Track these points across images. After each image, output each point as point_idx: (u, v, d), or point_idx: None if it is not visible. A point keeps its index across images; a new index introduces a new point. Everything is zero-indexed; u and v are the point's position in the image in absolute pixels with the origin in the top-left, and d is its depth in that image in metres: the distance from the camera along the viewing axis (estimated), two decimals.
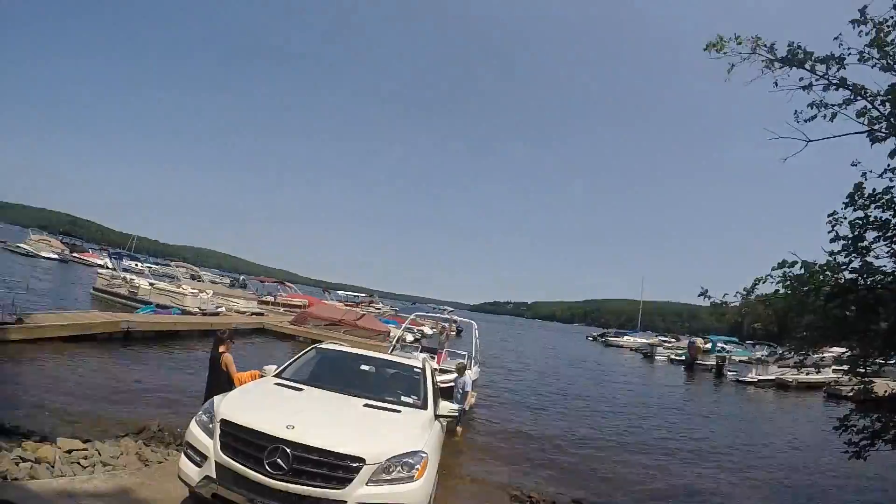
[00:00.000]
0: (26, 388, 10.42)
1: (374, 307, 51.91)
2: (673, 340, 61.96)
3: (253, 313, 33.12)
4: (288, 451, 4.06)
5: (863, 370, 7.19)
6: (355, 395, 5.56)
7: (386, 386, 6.48)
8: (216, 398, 4.95)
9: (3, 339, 13.29)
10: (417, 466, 4.36)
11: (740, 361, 37.26)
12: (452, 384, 12.85)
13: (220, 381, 6.94)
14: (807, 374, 8.79)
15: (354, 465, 4.11)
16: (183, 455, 4.60)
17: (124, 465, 6.21)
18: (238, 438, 4.28)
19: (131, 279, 30.54)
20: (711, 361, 40.86)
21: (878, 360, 7.07)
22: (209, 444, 4.37)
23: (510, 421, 15.48)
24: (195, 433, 4.57)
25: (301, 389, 5.53)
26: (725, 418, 21.42)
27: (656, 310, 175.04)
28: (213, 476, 4.22)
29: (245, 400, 5.02)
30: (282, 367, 6.39)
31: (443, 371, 14.72)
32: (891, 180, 6.39)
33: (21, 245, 56.87)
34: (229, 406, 4.66)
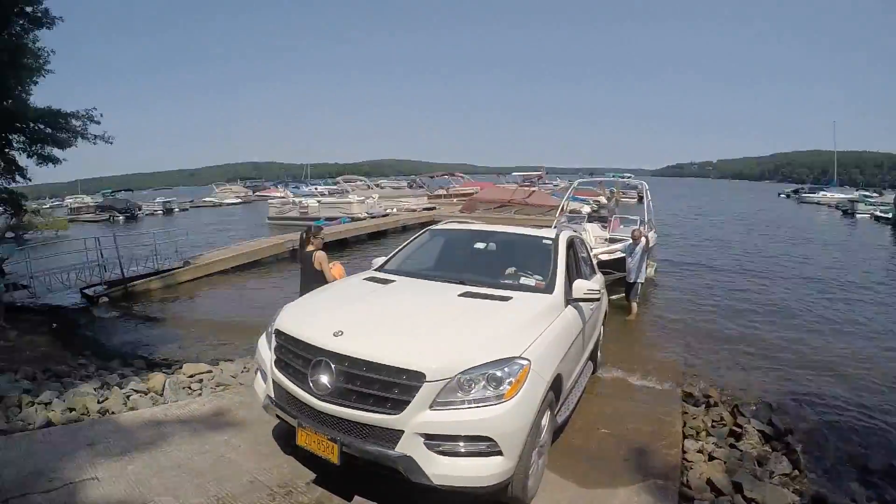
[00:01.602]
0: (184, 322, 11.54)
1: (550, 184, 50.11)
2: (876, 195, 52.91)
3: (424, 209, 33.96)
4: (332, 364, 3.26)
5: None
6: (458, 282, 4.47)
7: (503, 266, 5.08)
8: (285, 306, 4.18)
9: (175, 281, 14.75)
10: (510, 381, 3.17)
11: None
12: (623, 254, 11.58)
13: (312, 282, 6.25)
14: None
15: (411, 382, 3.08)
16: (257, 371, 4.09)
17: (241, 383, 6.24)
18: (288, 351, 3.63)
19: (299, 201, 32.25)
20: None
21: None
22: (268, 359, 3.81)
23: (692, 298, 13.38)
24: (260, 347, 4.05)
25: (391, 282, 4.61)
26: None
27: (853, 161, 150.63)
28: (272, 395, 3.72)
29: (309, 304, 4.31)
30: (389, 257, 5.48)
31: (613, 241, 13.53)
32: None
33: (206, 199, 62.90)
34: (288, 313, 3.98)
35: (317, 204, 30.46)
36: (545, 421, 3.68)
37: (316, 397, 3.28)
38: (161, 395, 5.91)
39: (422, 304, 4.08)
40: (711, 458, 5.14)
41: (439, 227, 6.23)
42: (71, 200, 54.65)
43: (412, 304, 4.10)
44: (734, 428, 5.99)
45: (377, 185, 51.74)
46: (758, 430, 5.99)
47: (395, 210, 31.94)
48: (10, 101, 12.85)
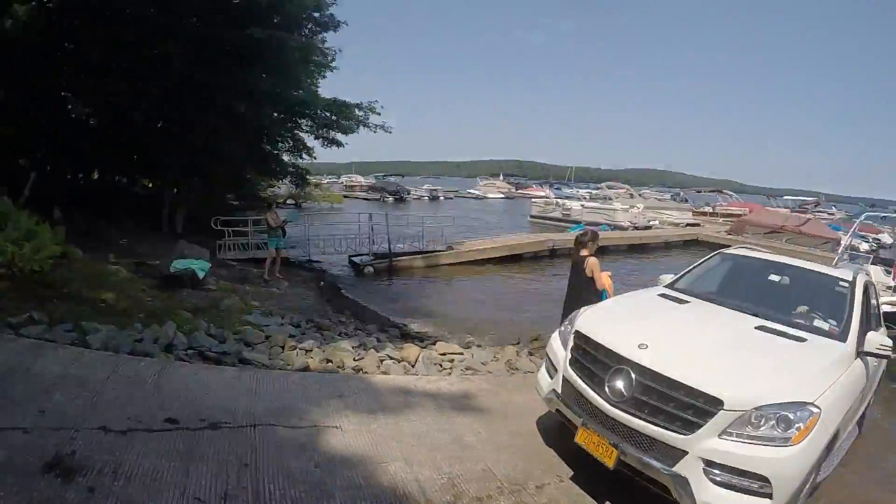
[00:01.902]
0: (441, 302, 11.96)
1: (824, 213, 44.66)
2: None
3: (687, 224, 32.38)
4: (633, 374, 3.41)
5: None
6: (752, 314, 4.36)
7: (796, 304, 4.88)
8: (583, 309, 4.47)
9: (437, 262, 15.56)
10: (799, 425, 3.05)
11: None
12: None
13: (581, 287, 6.22)
14: None
15: (709, 407, 3.11)
16: (543, 365, 4.43)
17: (489, 371, 6.32)
18: (587, 354, 3.83)
19: (563, 203, 32.52)
20: None
21: None
22: (561, 357, 4.07)
23: None
24: (553, 343, 4.33)
25: (686, 302, 4.67)
26: None
27: None
28: (559, 391, 3.96)
29: (609, 311, 4.51)
30: (678, 276, 5.48)
31: None
32: None
33: (471, 191, 65.45)
34: (589, 317, 4.21)
35: (580, 207, 30.30)
36: (814, 475, 3.52)
37: (609, 402, 3.45)
38: (413, 366, 6.09)
39: (719, 330, 4.07)
40: None
41: (731, 251, 6.12)
42: (346, 179, 61.31)
43: (710, 328, 4.11)
44: None
45: (640, 195, 50.51)
46: None
47: (657, 222, 30.53)
48: (300, 91, 15.14)
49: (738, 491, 3.09)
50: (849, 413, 4.03)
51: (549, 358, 4.28)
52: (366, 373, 5.49)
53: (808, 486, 3.49)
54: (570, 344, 3.98)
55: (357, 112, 16.25)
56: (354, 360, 5.91)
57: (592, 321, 4.07)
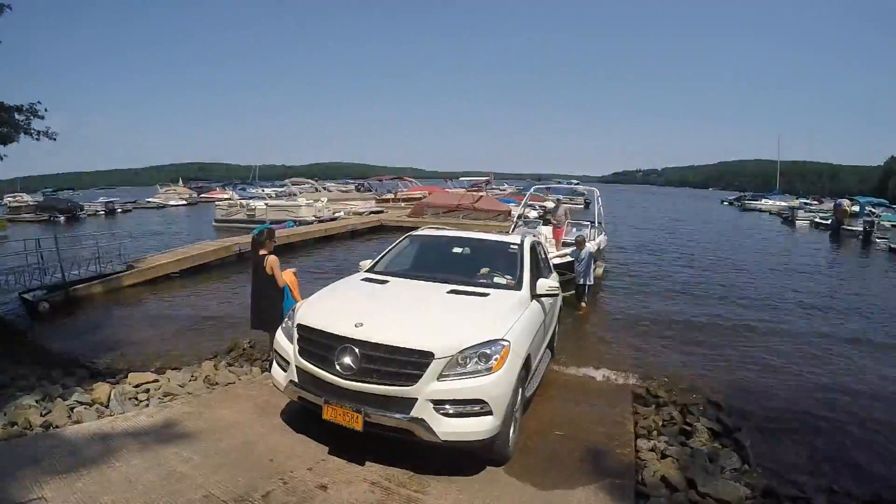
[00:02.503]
0: (129, 329, 10.94)
1: (496, 189, 51.93)
2: (815, 203, 56.07)
3: (371, 212, 33.98)
4: (356, 350, 4.01)
5: None
6: (443, 282, 5.32)
7: (478, 267, 6.01)
8: (299, 304, 5.04)
9: (119, 285, 14.20)
10: (496, 357, 4.08)
11: (892, 226, 30.79)
12: (571, 258, 12.33)
13: (264, 286, 6.55)
14: None
15: (423, 360, 3.93)
16: (274, 362, 4.78)
17: (188, 392, 6.20)
18: (312, 341, 4.32)
19: (247, 203, 31.57)
20: (859, 227, 34.09)
21: None
22: (290, 350, 4.47)
23: (641, 297, 14.11)
24: (279, 340, 4.72)
25: (386, 282, 5.40)
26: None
27: (794, 170, 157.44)
28: (296, 380, 4.35)
29: (323, 301, 4.97)
30: (375, 261, 6.22)
31: (565, 245, 14.52)
32: None
33: (150, 199, 59.85)
34: (307, 310, 4.68)
35: (264, 206, 30.05)
36: (520, 391, 4.59)
37: (343, 377, 4.00)
38: (107, 406, 5.74)
39: (419, 298, 4.92)
40: (664, 456, 5.37)
41: (418, 233, 7.00)
42: (10, 199, 51.86)
43: (411, 299, 4.91)
44: (684, 426, 6.28)
45: (325, 188, 51.93)
46: (707, 428, 6.29)
47: (343, 213, 31.83)
48: None
49: (466, 416, 3.92)
50: (535, 341, 5.20)
51: (278, 354, 4.67)
52: (57, 427, 5.05)
53: (518, 401, 4.59)
54: (296, 336, 4.42)
55: (17, 116, 13.04)
56: (42, 415, 5.42)
57: (311, 312, 4.58)
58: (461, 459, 4.28)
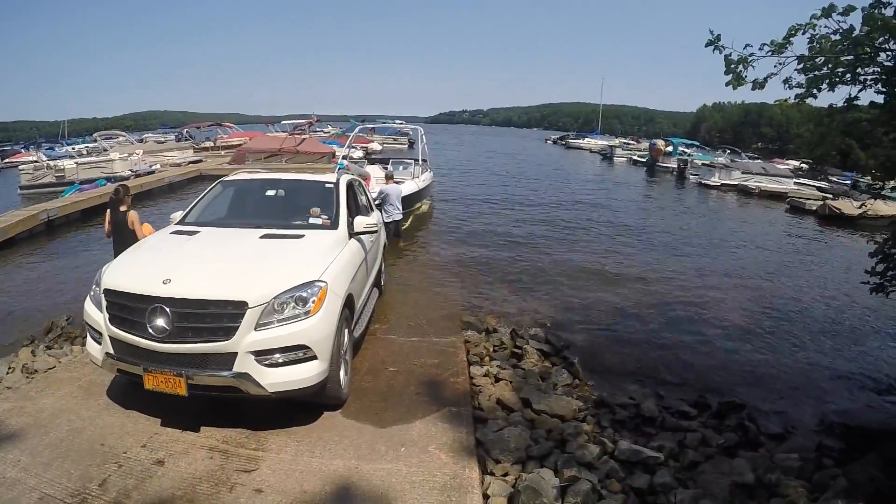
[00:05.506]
0: None
1: (320, 131, 50.81)
2: (633, 143, 62.47)
3: (189, 162, 32.29)
4: (167, 308, 3.70)
5: None
6: (257, 227, 5.07)
7: (293, 209, 5.82)
8: (103, 267, 4.45)
9: None
10: (313, 299, 3.93)
11: (703, 165, 35.43)
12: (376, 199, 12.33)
13: (127, 244, 5.86)
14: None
15: (237, 311, 3.71)
16: (88, 336, 4.35)
17: (7, 386, 5.34)
18: (121, 306, 3.94)
19: (55, 164, 27.82)
20: (673, 164, 39.50)
21: None
22: (100, 319, 4.04)
23: (465, 230, 14.73)
24: (88, 310, 4.24)
25: (196, 233, 4.98)
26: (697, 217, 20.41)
27: (614, 113, 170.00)
28: (112, 352, 3.98)
29: (129, 260, 4.54)
30: (186, 212, 5.74)
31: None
32: None
33: None
34: (111, 273, 4.23)
35: (74, 165, 26.84)
36: (346, 332, 4.51)
37: (157, 341, 3.71)
38: None
39: (230, 247, 4.60)
40: (498, 379, 5.64)
41: (230, 178, 6.62)
42: None
43: (222, 248, 4.60)
44: (515, 350, 6.61)
45: (141, 140, 48.00)
46: (536, 350, 6.65)
47: (159, 166, 29.39)
48: None
49: (290, 364, 3.80)
50: (357, 280, 5.10)
51: (90, 326, 4.23)
52: None
53: (346, 342, 4.52)
54: (104, 303, 4.02)
55: None
56: None
57: (115, 275, 4.15)
58: (297, 409, 4.24)
